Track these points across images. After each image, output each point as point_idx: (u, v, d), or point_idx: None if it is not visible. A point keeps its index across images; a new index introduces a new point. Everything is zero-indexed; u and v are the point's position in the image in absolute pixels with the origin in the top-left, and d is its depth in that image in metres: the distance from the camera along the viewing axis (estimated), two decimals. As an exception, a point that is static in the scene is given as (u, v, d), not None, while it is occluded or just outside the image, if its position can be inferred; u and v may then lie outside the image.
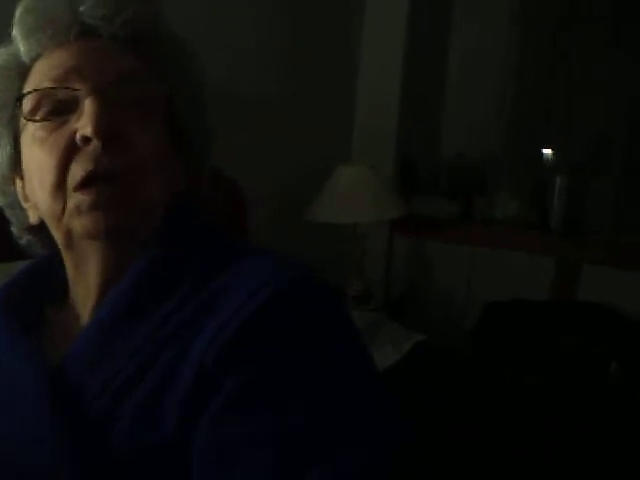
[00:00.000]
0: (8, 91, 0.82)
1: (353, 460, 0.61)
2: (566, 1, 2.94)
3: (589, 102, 2.88)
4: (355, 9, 2.93)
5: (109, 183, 0.74)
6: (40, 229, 0.84)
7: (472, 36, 3.05)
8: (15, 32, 0.83)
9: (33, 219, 0.84)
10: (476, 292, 2.75)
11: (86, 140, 0.74)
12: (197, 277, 0.75)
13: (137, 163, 0.76)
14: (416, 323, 2.50)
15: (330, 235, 2.66)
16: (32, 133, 0.78)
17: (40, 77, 0.79)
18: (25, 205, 0.85)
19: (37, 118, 0.78)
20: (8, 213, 0.88)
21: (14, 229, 0.89)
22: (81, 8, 0.80)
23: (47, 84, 0.77)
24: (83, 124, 0.74)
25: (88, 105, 0.74)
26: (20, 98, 0.79)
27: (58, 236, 0.80)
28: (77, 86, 0.76)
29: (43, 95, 0.77)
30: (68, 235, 0.79)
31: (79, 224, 0.75)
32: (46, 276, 0.88)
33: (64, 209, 0.76)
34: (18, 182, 0.85)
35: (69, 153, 0.75)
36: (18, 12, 0.82)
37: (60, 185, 0.75)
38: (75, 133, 0.75)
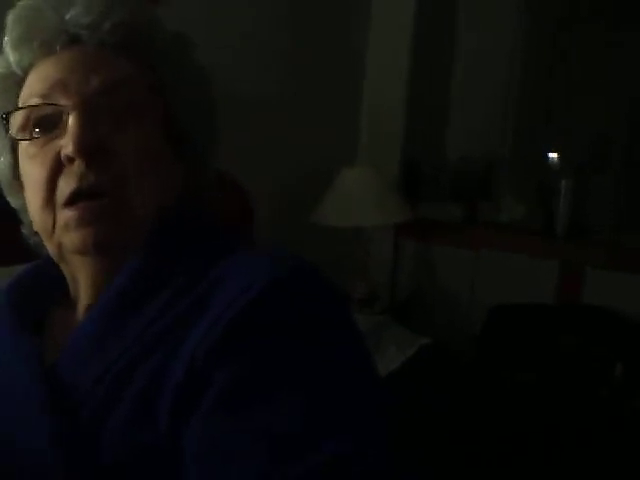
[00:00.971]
0: (6, 101, 0.82)
1: (344, 456, 0.60)
2: (566, 1, 2.94)
3: (590, 102, 2.88)
4: (361, 11, 2.93)
5: (95, 199, 0.74)
6: None
7: (476, 39, 3.05)
8: (5, 41, 0.83)
9: (34, 227, 0.84)
10: (481, 296, 2.75)
11: (70, 159, 0.74)
12: (191, 273, 0.74)
13: (124, 173, 0.75)
14: (421, 326, 2.50)
15: (335, 238, 2.66)
16: (24, 148, 0.79)
17: (29, 91, 0.79)
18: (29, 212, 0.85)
19: (25, 137, 0.78)
20: (21, 215, 0.89)
21: (24, 230, 0.89)
22: (67, 17, 0.79)
23: (34, 100, 0.77)
24: (65, 143, 0.74)
25: (71, 123, 0.74)
26: (6, 116, 0.79)
27: (50, 249, 0.81)
28: (62, 101, 0.76)
29: (30, 111, 0.78)
30: (59, 249, 0.79)
31: (68, 240, 0.76)
32: (49, 276, 0.89)
33: (54, 224, 0.77)
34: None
35: (56, 170, 0.75)
36: (8, 21, 0.82)
37: (49, 201, 0.76)
38: (61, 151, 0.75)
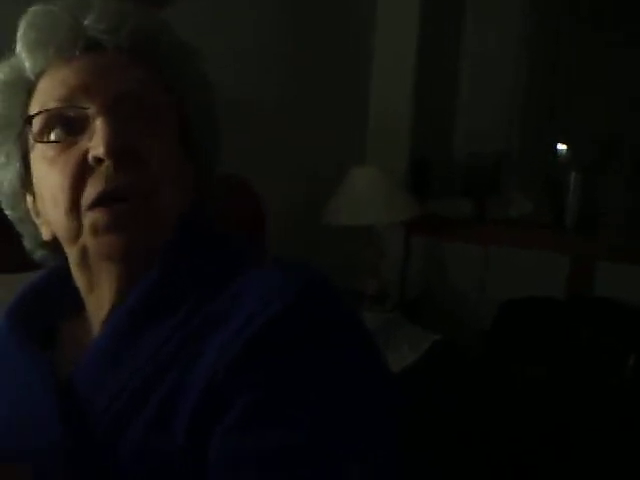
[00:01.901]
0: (14, 108, 0.81)
1: (363, 473, 0.62)
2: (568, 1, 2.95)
3: (598, 99, 2.88)
4: (367, 11, 2.94)
5: (123, 202, 0.74)
6: (54, 244, 0.83)
7: (483, 35, 3.05)
8: (19, 48, 0.82)
9: (46, 235, 0.83)
10: (491, 291, 2.75)
11: (99, 160, 0.73)
12: (204, 290, 0.74)
13: (151, 179, 0.75)
14: (431, 323, 2.50)
15: (345, 236, 2.67)
16: (42, 152, 0.78)
17: (46, 96, 0.78)
18: (37, 221, 0.84)
19: (47, 140, 0.77)
20: (20, 227, 0.87)
21: (26, 243, 0.88)
22: (85, 22, 0.78)
23: (54, 104, 0.77)
24: (95, 144, 0.73)
25: (99, 124, 0.74)
26: (29, 119, 0.78)
27: (72, 254, 0.80)
28: (86, 104, 0.75)
29: (51, 115, 0.77)
30: (83, 254, 0.78)
31: (96, 244, 0.75)
32: (57, 288, 0.88)
33: (80, 228, 0.76)
34: (28, 197, 0.84)
35: (82, 173, 0.74)
36: (21, 27, 0.81)
37: (74, 204, 0.75)
38: (86, 153, 0.74)
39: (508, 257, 2.76)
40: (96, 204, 0.74)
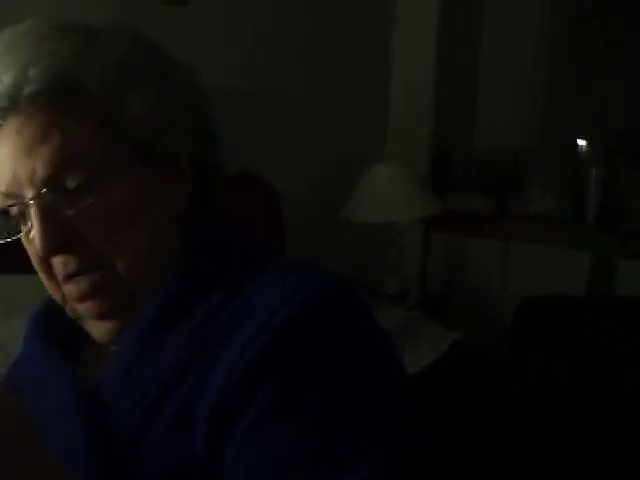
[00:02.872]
0: None
1: (376, 472, 0.63)
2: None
3: (618, 94, 2.85)
4: (387, 8, 2.93)
5: (89, 274, 0.74)
6: None
7: (504, 31, 3.03)
8: None
9: None
10: (512, 288, 2.74)
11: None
12: (219, 298, 0.73)
13: (105, 248, 0.73)
14: (452, 320, 2.50)
15: (365, 233, 2.67)
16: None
17: None
18: None
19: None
20: None
21: None
22: None
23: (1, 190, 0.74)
24: (35, 242, 0.73)
25: (34, 222, 0.72)
26: None
27: (67, 312, 0.80)
28: (21, 195, 0.73)
29: (5, 204, 0.75)
30: (75, 314, 0.79)
31: (82, 309, 0.76)
32: None
33: (64, 296, 0.77)
34: None
35: (44, 257, 0.75)
36: None
37: (52, 279, 0.76)
38: None
39: (529, 253, 2.75)
40: (67, 279, 0.75)
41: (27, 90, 0.70)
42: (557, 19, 3.03)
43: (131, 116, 0.74)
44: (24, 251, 0.78)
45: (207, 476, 0.67)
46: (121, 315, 0.76)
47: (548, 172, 3.03)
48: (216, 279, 0.76)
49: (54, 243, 0.72)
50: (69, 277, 0.74)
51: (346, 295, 0.73)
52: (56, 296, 0.78)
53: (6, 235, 0.76)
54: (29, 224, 0.74)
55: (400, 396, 0.71)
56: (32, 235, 0.73)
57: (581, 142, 2.99)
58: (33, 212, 0.72)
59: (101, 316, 0.76)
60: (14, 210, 0.75)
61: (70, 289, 0.75)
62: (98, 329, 0.78)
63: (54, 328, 0.86)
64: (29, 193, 0.72)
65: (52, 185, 0.72)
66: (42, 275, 0.77)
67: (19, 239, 0.77)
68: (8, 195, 0.74)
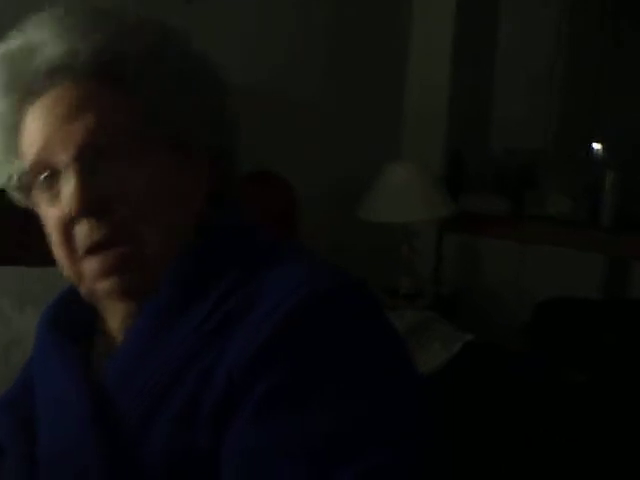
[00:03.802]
0: (12, 140, 0.80)
1: (383, 460, 0.62)
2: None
3: (635, 97, 2.84)
4: (403, 7, 2.93)
5: (112, 248, 0.74)
6: None
7: (520, 31, 3.03)
8: None
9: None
10: (527, 290, 2.73)
11: (75, 219, 0.74)
12: (228, 285, 0.74)
13: (135, 219, 0.74)
14: (466, 321, 2.50)
15: (380, 233, 2.67)
16: (39, 194, 0.78)
17: (27, 141, 0.77)
18: None
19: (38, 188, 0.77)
20: None
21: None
22: (38, 60, 0.75)
23: (31, 157, 0.76)
24: (66, 203, 0.73)
25: (66, 183, 0.73)
26: (19, 177, 0.79)
27: (82, 293, 0.80)
28: (55, 158, 0.74)
29: (32, 169, 0.77)
30: (92, 294, 0.79)
31: (99, 287, 0.76)
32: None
33: (81, 273, 0.77)
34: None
35: (67, 226, 0.75)
36: None
37: (71, 251, 0.76)
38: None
39: (543, 255, 2.74)
40: (89, 252, 0.75)
41: (81, 58, 0.74)
42: (573, 21, 3.02)
43: (160, 103, 0.77)
44: (38, 243, 0.79)
45: (211, 467, 0.67)
46: (140, 295, 0.77)
47: (563, 174, 3.02)
48: (229, 265, 0.76)
49: (88, 203, 0.72)
50: (92, 250, 0.74)
51: (357, 286, 0.73)
52: (71, 274, 0.78)
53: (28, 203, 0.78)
54: (56, 189, 0.75)
55: (409, 387, 0.71)
56: (64, 195, 0.74)
57: (597, 144, 2.98)
58: (69, 172, 0.73)
59: (124, 293, 0.76)
60: (40, 180, 0.76)
61: (92, 264, 0.75)
62: (115, 310, 0.79)
63: (68, 322, 0.86)
64: (65, 157, 0.73)
65: (90, 150, 0.73)
66: (60, 250, 0.77)
67: (36, 223, 0.80)
68: (38, 163, 0.75)
